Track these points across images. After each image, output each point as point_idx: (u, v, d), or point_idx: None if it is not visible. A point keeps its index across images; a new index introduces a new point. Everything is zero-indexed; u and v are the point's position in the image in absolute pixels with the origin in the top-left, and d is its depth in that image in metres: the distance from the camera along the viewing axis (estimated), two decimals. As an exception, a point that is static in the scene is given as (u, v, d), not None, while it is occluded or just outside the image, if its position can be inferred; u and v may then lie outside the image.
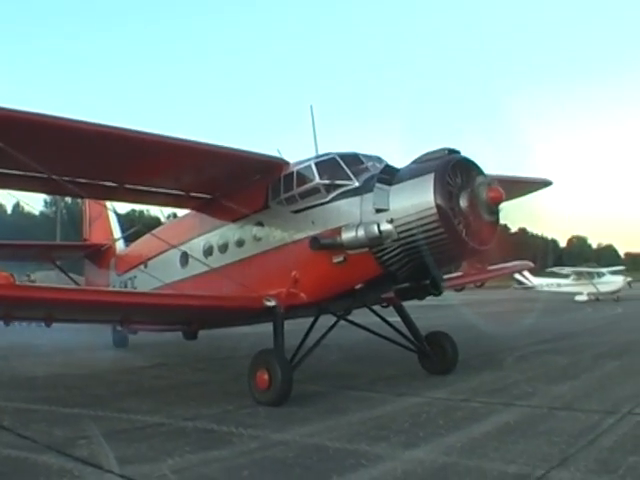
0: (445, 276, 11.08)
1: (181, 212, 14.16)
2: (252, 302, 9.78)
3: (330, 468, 5.81)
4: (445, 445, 6.55)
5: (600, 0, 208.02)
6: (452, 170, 8.75)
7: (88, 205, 18.31)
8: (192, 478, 5.59)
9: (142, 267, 13.63)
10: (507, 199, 9.31)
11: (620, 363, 12.51)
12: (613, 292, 40.51)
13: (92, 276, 16.98)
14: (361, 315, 11.37)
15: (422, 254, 8.83)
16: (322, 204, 9.64)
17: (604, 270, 44.21)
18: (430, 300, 10.85)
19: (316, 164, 9.91)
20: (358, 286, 9.46)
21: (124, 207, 66.20)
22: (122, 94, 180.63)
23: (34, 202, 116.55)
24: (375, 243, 8.94)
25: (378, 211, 9.01)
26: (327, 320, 10.84)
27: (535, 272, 43.16)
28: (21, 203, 41.35)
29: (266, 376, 8.91)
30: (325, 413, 8.35)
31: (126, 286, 14.49)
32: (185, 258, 12.03)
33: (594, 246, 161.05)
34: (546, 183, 14.78)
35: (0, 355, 15.53)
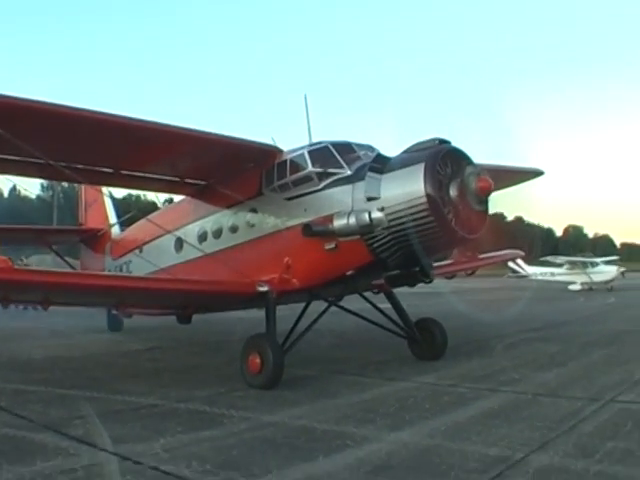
0: (436, 264, 11.24)
1: (177, 198, 14.25)
2: (245, 287, 9.91)
3: (317, 448, 5.98)
4: (430, 428, 6.72)
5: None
6: (442, 160, 8.88)
7: (84, 190, 18.34)
8: (183, 457, 5.72)
9: (137, 252, 13.76)
10: (498, 188, 9.45)
11: (608, 352, 12.69)
12: (606, 282, 40.78)
13: (88, 260, 17.11)
14: (352, 301, 11.48)
15: (412, 242, 8.96)
16: (315, 192, 9.76)
17: (598, 260, 44.49)
18: (422, 287, 10.95)
19: (309, 152, 10.02)
20: (349, 273, 9.64)
21: (121, 192, 65.94)
22: (119, 82, 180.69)
23: (31, 186, 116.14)
24: (366, 231, 9.09)
25: (369, 199, 9.13)
26: (319, 306, 10.99)
27: (529, 261, 43.43)
28: (18, 187, 41.18)
29: (258, 360, 9.06)
30: (315, 396, 8.49)
31: (121, 270, 14.59)
32: (180, 243, 12.13)
33: (590, 236, 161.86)
34: (537, 173, 14.90)
35: (-3, 338, 15.65)
